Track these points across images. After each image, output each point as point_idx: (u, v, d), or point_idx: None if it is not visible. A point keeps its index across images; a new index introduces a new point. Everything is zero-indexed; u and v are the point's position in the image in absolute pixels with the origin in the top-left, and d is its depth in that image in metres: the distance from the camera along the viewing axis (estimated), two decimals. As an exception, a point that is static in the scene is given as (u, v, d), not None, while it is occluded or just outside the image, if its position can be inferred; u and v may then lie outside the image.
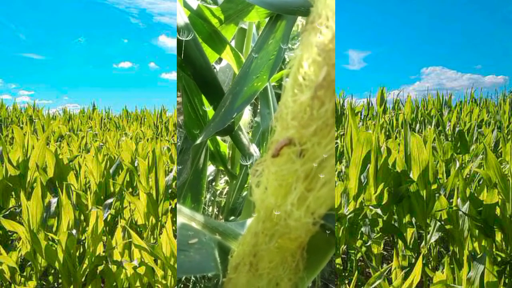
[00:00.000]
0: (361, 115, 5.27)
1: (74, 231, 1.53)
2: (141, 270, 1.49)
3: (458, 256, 1.74)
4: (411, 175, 1.86)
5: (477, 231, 1.68)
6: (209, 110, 1.28)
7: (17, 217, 1.93)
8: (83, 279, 1.55)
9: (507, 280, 1.57)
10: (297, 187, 0.65)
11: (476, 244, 1.70)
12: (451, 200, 1.83)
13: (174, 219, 1.92)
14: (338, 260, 1.90)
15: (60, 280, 1.75)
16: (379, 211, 1.81)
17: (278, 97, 1.53)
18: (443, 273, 1.35)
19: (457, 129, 3.32)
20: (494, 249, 1.63)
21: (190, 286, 1.50)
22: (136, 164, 2.32)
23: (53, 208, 1.72)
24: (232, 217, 1.79)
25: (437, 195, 1.83)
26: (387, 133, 3.87)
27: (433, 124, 3.91)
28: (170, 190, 2.12)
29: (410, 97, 4.88)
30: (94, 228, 1.54)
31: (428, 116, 4.29)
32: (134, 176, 2.31)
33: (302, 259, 0.75)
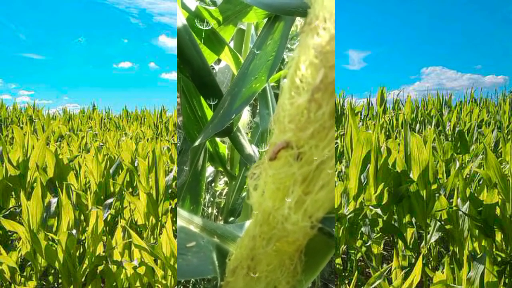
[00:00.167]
0: (361, 115, 5.26)
1: (74, 231, 1.53)
2: (141, 270, 1.49)
3: (458, 256, 1.74)
4: (411, 175, 1.86)
5: (477, 231, 1.68)
6: (208, 112, 1.28)
7: (17, 217, 1.93)
8: (83, 279, 1.55)
9: (507, 280, 1.56)
10: (295, 190, 0.65)
11: (476, 244, 1.70)
12: (451, 200, 1.83)
13: (174, 219, 1.92)
14: (338, 260, 1.90)
15: (60, 280, 1.75)
16: (379, 211, 1.81)
17: (278, 97, 1.53)
18: (443, 273, 1.35)
19: (457, 129, 3.32)
20: (494, 249, 1.63)
21: (190, 287, 1.50)
22: (136, 164, 2.32)
23: (53, 208, 1.72)
24: (232, 218, 1.79)
25: (437, 195, 1.83)
26: (387, 133, 3.87)
27: (433, 124, 3.90)
28: (170, 190, 2.12)
29: (410, 97, 4.88)
30: (94, 228, 1.54)
31: (428, 116, 4.29)
32: (134, 176, 2.31)
33: (300, 262, 0.75)
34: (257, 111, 1.91)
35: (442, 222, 1.78)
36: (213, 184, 2.03)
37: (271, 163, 0.67)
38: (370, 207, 1.82)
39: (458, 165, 2.17)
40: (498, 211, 1.62)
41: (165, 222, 1.55)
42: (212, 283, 1.36)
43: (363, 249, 1.90)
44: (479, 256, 1.37)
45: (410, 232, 1.93)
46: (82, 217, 1.94)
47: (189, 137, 1.29)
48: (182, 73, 1.22)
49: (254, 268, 0.75)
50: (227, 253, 0.88)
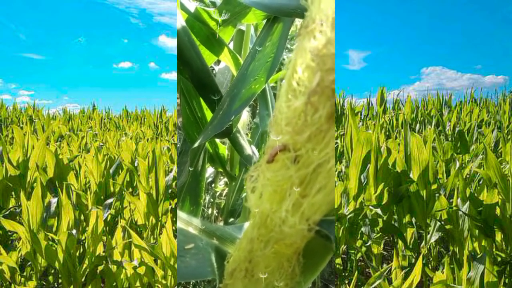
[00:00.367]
0: (361, 115, 5.26)
1: (74, 231, 1.53)
2: (141, 270, 1.49)
3: (458, 256, 1.74)
4: (411, 175, 1.86)
5: (477, 231, 1.68)
6: (208, 113, 1.28)
7: (17, 217, 1.94)
8: (83, 279, 1.55)
9: (507, 280, 1.56)
10: (292, 193, 0.65)
11: (476, 244, 1.70)
12: (451, 200, 1.83)
13: (174, 219, 1.92)
14: (338, 260, 1.90)
15: (60, 280, 1.76)
16: (379, 211, 1.81)
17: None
18: (443, 273, 1.35)
19: (457, 129, 3.31)
20: (494, 249, 1.63)
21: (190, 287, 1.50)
22: (136, 164, 2.32)
23: (53, 208, 1.72)
24: (232, 219, 1.80)
25: (437, 195, 1.83)
26: (387, 133, 3.87)
27: (433, 124, 3.90)
28: (170, 190, 2.13)
29: (410, 97, 4.88)
30: (94, 228, 1.54)
31: (428, 116, 4.29)
32: (134, 176, 2.31)
33: (299, 264, 0.75)
34: (257, 112, 1.91)
35: (442, 222, 1.79)
36: (213, 185, 2.03)
37: (269, 165, 0.67)
38: (370, 207, 1.82)
39: (458, 165, 2.16)
40: (498, 211, 1.62)
41: (165, 222, 1.55)
42: (212, 284, 1.36)
43: (363, 249, 1.90)
44: (479, 256, 1.37)
45: (410, 232, 1.93)
46: (82, 217, 1.94)
47: (189, 138, 1.29)
48: (182, 74, 1.22)
49: (252, 270, 0.75)
50: (226, 255, 0.88)
